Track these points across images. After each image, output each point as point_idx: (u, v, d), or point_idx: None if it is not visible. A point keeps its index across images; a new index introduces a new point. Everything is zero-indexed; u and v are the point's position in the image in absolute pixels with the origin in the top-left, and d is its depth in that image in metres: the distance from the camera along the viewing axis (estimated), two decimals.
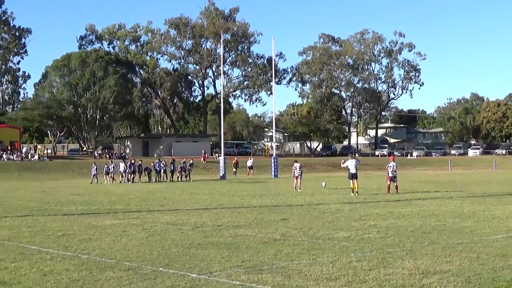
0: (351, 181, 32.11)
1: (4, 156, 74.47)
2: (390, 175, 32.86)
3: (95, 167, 53.45)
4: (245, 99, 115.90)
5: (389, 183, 32.91)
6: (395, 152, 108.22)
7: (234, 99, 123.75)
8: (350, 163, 32.41)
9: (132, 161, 54.34)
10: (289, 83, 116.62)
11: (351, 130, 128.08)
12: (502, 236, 15.97)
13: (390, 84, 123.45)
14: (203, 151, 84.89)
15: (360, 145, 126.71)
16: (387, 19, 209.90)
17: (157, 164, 54.53)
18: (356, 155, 69.34)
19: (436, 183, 45.26)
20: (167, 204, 27.91)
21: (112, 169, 53.03)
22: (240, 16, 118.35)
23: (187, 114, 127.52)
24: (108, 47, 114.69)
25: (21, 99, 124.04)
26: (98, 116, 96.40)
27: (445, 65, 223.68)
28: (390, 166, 32.98)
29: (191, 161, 57.89)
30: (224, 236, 16.48)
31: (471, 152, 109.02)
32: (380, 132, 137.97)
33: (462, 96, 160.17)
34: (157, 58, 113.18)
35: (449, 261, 12.25)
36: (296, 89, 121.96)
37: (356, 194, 31.09)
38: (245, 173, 67.20)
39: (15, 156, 75.00)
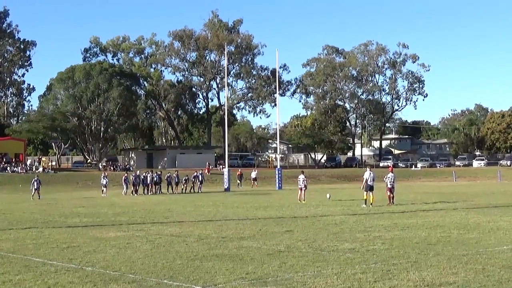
0: (365, 192, 32.07)
1: (8, 168, 74.58)
2: (389, 186, 33.10)
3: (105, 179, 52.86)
4: (249, 111, 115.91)
5: (388, 193, 33.15)
6: (399, 164, 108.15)
7: (238, 111, 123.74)
8: (368, 175, 32.36)
9: (137, 173, 54.28)
10: (293, 95, 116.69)
11: (355, 142, 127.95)
12: (507, 247, 15.93)
13: (394, 96, 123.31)
14: (207, 163, 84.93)
15: (364, 157, 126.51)
16: (390, 30, 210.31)
17: (156, 176, 54.38)
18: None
19: (440, 194, 45.19)
20: (171, 216, 27.90)
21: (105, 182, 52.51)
22: (244, 28, 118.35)
23: (191, 126, 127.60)
24: (113, 60, 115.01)
25: (25, 112, 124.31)
26: (102, 128, 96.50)
27: (449, 76, 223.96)
28: (388, 177, 33.25)
29: (195, 173, 57.80)
30: (229, 248, 16.47)
31: (475, 163, 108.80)
32: (384, 143, 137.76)
33: (467, 107, 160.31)
34: (161, 70, 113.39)
35: (455, 273, 12.22)
36: (300, 101, 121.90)
37: (371, 206, 30.99)
38: (250, 185, 67.15)
39: (19, 168, 75.09)
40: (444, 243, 16.90)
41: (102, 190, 52.04)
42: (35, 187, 47.39)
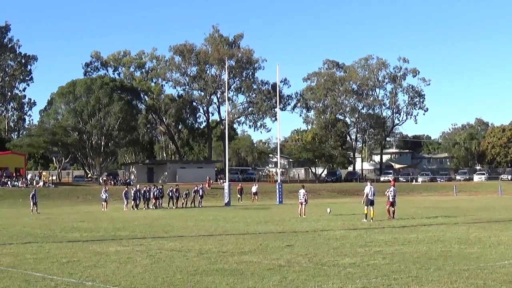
0: (366, 207, 32.12)
1: (9, 182, 74.53)
2: (390, 199, 33.26)
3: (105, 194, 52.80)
4: (249, 125, 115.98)
5: (387, 207, 33.25)
6: (400, 178, 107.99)
7: (238, 125, 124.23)
8: (369, 190, 32.39)
9: (137, 188, 54.18)
10: (293, 109, 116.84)
11: (356, 156, 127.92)
12: (508, 262, 15.89)
13: (394, 110, 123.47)
14: (207, 177, 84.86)
15: (365, 171, 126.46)
16: (391, 45, 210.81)
17: (157, 191, 54.22)
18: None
19: (441, 208, 45.11)
20: (172, 230, 27.85)
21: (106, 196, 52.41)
22: (245, 42, 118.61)
23: (192, 140, 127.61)
24: (113, 74, 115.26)
25: (26, 126, 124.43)
26: (103, 143, 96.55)
27: (450, 90, 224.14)
28: (391, 191, 33.39)
29: (195, 188, 57.68)
30: (229, 262, 16.43)
31: (476, 178, 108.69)
32: (385, 157, 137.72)
33: (467, 121, 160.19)
34: (162, 85, 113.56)
35: None
36: (300, 115, 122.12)
37: (371, 220, 31.04)
38: (250, 200, 67.06)
39: (20, 182, 75.04)
40: (445, 257, 16.86)
41: (103, 205, 51.96)
42: (34, 201, 47.53)
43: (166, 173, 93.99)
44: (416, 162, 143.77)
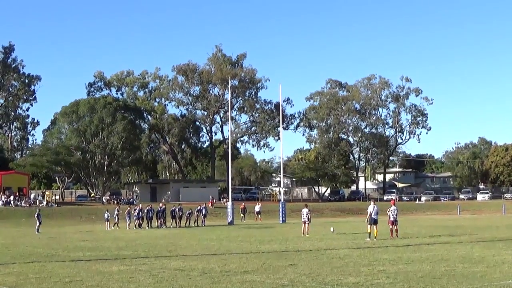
0: (369, 226, 32.12)
1: (12, 202, 74.51)
2: (392, 219, 33.52)
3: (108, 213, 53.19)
4: (252, 145, 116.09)
5: (391, 226, 33.33)
6: (403, 197, 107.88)
7: (241, 144, 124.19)
8: (372, 209, 32.41)
9: (140, 207, 54.14)
10: (296, 128, 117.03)
11: (359, 175, 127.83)
12: None
13: (397, 129, 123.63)
14: (211, 197, 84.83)
15: (368, 190, 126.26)
16: (393, 64, 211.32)
17: (160, 210, 54.24)
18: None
19: (445, 227, 44.99)
20: (175, 250, 27.80)
21: (110, 215, 52.73)
22: (248, 62, 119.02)
23: (195, 159, 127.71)
24: (117, 94, 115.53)
25: (30, 146, 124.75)
26: (106, 162, 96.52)
27: (453, 110, 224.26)
28: (391, 210, 33.63)
29: (199, 207, 57.69)
30: (232, 282, 16.38)
31: (479, 197, 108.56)
32: (388, 176, 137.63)
33: (470, 140, 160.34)
34: (165, 104, 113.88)
35: None
36: (303, 134, 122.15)
37: (375, 239, 31.05)
38: (253, 219, 66.93)
39: (23, 202, 75.02)
40: (449, 277, 16.80)
41: (114, 224, 52.17)
42: (40, 220, 47.68)
43: (169, 192, 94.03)
44: (419, 181, 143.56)
